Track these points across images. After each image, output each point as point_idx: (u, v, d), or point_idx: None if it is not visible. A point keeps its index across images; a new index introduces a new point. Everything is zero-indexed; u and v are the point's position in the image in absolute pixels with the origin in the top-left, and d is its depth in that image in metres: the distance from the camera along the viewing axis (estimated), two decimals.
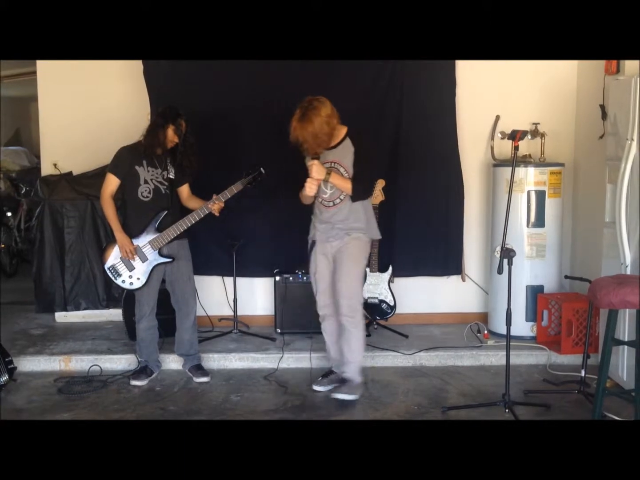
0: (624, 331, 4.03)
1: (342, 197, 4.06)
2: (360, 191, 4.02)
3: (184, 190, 4.43)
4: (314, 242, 4.23)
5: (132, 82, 5.24)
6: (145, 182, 4.27)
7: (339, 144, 4.05)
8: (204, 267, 5.19)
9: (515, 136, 3.92)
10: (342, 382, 4.22)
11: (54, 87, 5.43)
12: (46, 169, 5.53)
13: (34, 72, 5.57)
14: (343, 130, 4.06)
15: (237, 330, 5.22)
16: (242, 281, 5.30)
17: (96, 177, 5.36)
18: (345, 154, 4.04)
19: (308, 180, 3.96)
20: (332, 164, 4.04)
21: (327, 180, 3.97)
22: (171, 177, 4.31)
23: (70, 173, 5.48)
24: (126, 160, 4.28)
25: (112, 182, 4.29)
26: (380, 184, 4.99)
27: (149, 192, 4.27)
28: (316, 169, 3.95)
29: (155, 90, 5.15)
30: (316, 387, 4.33)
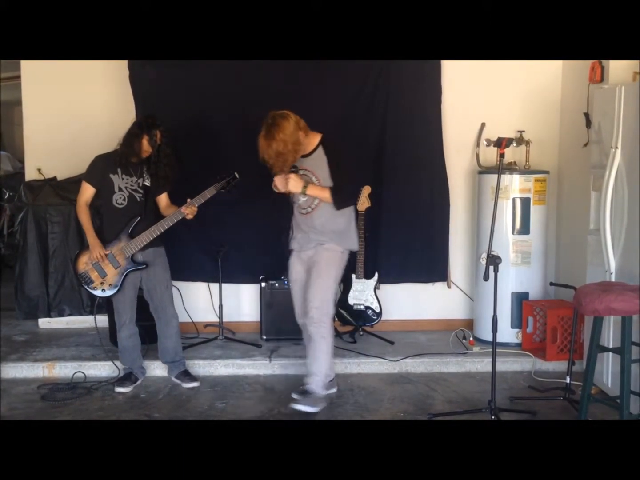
0: (609, 338, 4.05)
1: (314, 205, 4.01)
2: (341, 199, 3.95)
3: (163, 199, 4.41)
4: (291, 251, 4.21)
5: (116, 87, 5.22)
6: (120, 189, 4.27)
7: (312, 152, 3.98)
8: (189, 273, 5.18)
9: (501, 143, 3.94)
10: (303, 394, 4.03)
11: (38, 92, 5.41)
12: (30, 174, 5.50)
13: (17, 77, 5.55)
14: (316, 138, 3.98)
15: (222, 337, 5.19)
16: (227, 287, 5.28)
17: (81, 182, 5.33)
18: (318, 163, 3.97)
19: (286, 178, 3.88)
20: (305, 171, 3.98)
21: (304, 193, 3.91)
22: (146, 184, 4.30)
23: (54, 178, 5.45)
24: (99, 169, 4.30)
25: (86, 190, 4.31)
26: (366, 190, 5.00)
27: (124, 200, 4.27)
28: (293, 182, 3.88)
29: (141, 96, 5.13)
30: (296, 396, 4.13)
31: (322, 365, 4.02)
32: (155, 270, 4.37)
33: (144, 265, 4.32)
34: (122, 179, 4.27)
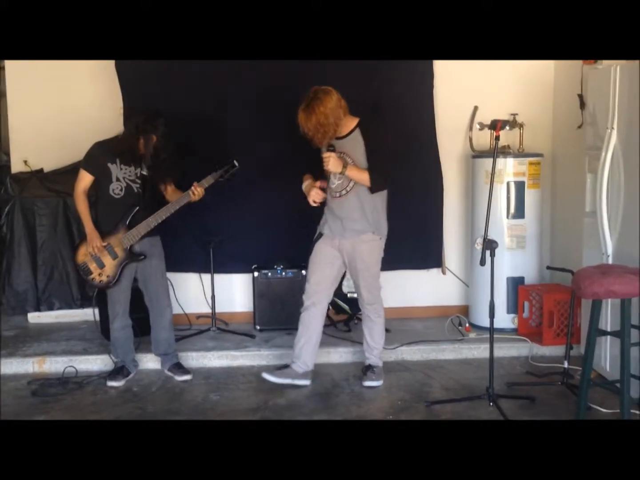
0: (607, 321, 4.00)
1: (349, 188, 4.03)
2: (378, 182, 3.97)
3: (170, 188, 4.32)
4: (321, 234, 4.20)
5: (103, 78, 5.13)
6: (117, 179, 4.18)
7: (348, 134, 4.01)
8: (180, 264, 5.09)
9: (495, 126, 3.89)
10: (367, 369, 4.30)
11: (23, 83, 5.31)
12: (16, 166, 5.40)
13: (1, 68, 5.43)
14: (354, 121, 4.02)
15: (215, 328, 5.12)
16: (219, 278, 5.22)
17: (68, 173, 5.25)
18: (354, 145, 4.00)
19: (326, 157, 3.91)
20: (341, 154, 3.99)
21: (343, 173, 3.94)
22: (144, 174, 4.21)
23: (41, 170, 5.35)
24: (98, 157, 4.21)
25: (84, 178, 4.22)
26: None
27: (121, 190, 4.19)
28: (333, 162, 3.90)
29: (128, 85, 5.04)
30: (266, 375, 4.19)
31: (380, 339, 4.31)
32: (151, 261, 4.30)
33: (143, 257, 4.25)
34: (121, 168, 4.19)
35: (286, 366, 4.27)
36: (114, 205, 4.20)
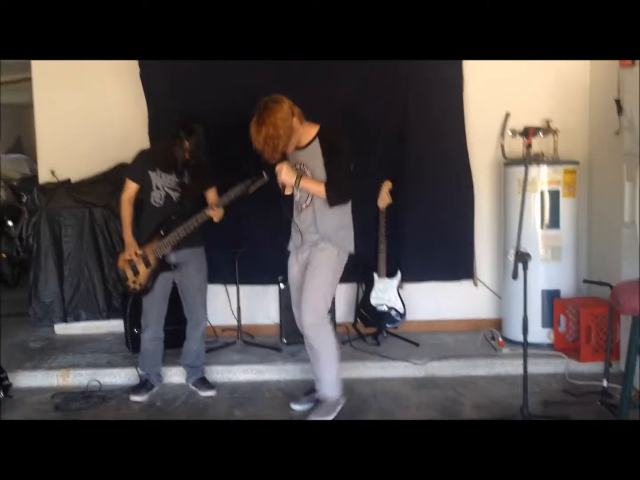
0: None
1: (308, 201, 3.82)
2: (336, 195, 3.69)
3: (210, 194, 4.25)
4: (289, 252, 4.04)
5: (129, 87, 5.11)
6: (157, 188, 4.16)
7: (308, 144, 3.77)
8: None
9: (528, 133, 3.75)
10: (317, 403, 3.94)
11: (50, 93, 5.32)
12: (44, 177, 5.41)
13: (29, 78, 5.44)
14: (314, 130, 3.75)
15: (241, 341, 5.04)
16: (245, 289, 5.13)
17: (95, 184, 5.28)
18: (313, 155, 3.74)
19: (277, 169, 3.69)
20: (301, 165, 3.78)
21: (297, 184, 3.70)
22: (185, 182, 4.16)
23: (68, 180, 5.34)
24: (140, 164, 4.20)
25: (128, 186, 4.21)
26: (387, 186, 4.82)
27: (160, 199, 4.16)
28: (285, 173, 3.67)
29: (152, 94, 5.03)
30: (295, 406, 4.05)
31: (327, 372, 3.85)
32: (189, 271, 4.26)
33: (174, 267, 4.20)
34: (160, 177, 4.16)
35: (313, 390, 4.09)
36: (154, 213, 4.17)
